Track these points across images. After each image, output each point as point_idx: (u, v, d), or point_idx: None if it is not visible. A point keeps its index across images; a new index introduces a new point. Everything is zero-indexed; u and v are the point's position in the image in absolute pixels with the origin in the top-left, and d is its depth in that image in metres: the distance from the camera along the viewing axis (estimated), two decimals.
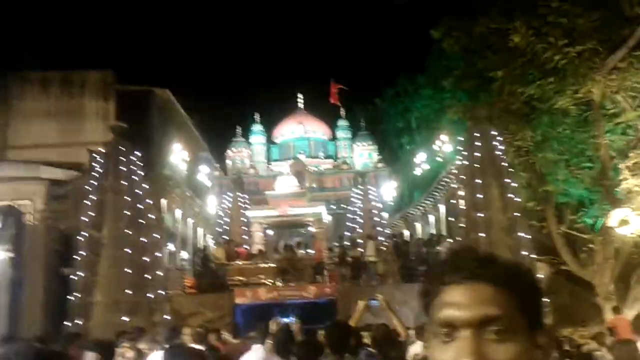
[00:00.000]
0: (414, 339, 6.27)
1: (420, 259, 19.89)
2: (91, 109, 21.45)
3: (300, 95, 51.78)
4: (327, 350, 4.51)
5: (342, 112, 49.68)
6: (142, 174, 15.50)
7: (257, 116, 49.86)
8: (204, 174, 30.76)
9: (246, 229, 26.45)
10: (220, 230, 27.38)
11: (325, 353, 4.52)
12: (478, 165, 14.59)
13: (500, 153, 14.76)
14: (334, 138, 50.61)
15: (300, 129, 48.97)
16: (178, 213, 26.51)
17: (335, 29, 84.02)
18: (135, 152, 15.23)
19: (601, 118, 13.91)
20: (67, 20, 44.81)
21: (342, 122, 49.91)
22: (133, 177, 14.87)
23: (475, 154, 14.72)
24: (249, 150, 48.42)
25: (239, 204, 27.64)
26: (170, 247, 24.32)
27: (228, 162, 46.89)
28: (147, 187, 15.78)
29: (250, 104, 55.77)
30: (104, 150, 14.94)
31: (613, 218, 12.83)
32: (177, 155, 25.39)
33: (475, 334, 1.05)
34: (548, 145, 15.04)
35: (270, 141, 50.75)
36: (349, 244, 22.13)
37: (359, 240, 22.73)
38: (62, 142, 20.85)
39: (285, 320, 11.32)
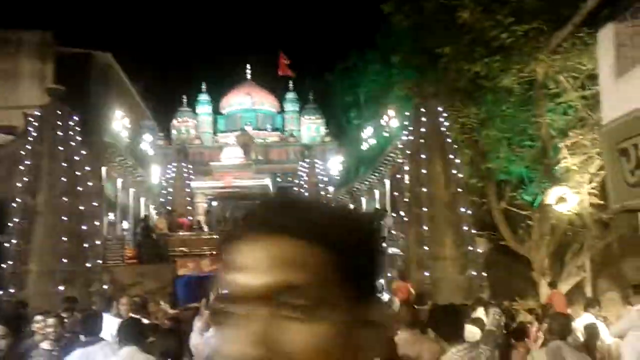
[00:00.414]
0: None
1: None
2: (28, 71, 20.53)
3: (248, 66, 51.15)
4: None
5: (291, 84, 49.40)
6: (80, 139, 14.98)
7: (203, 86, 49.05)
8: (147, 142, 30.05)
9: (190, 199, 26.10)
10: (163, 200, 26.90)
11: None
12: (423, 141, 14.70)
13: (445, 129, 14.91)
14: (282, 110, 50.29)
15: (247, 101, 48.43)
16: (119, 182, 25.85)
17: (287, 0, 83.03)
18: (73, 117, 14.66)
19: (543, 97, 14.18)
20: None
21: (290, 95, 49.61)
22: (70, 142, 14.33)
23: (421, 129, 14.82)
24: (195, 120, 47.65)
25: (183, 174, 27.19)
26: (111, 216, 23.74)
27: (173, 131, 46.05)
28: (86, 153, 15.27)
29: (198, 73, 54.59)
30: (39, 114, 14.32)
31: (551, 195, 13.18)
32: (119, 122, 24.66)
33: (265, 311, 0.70)
34: (491, 123, 15.26)
35: (217, 112, 50.03)
36: None
37: None
38: None
39: None
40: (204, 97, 49.22)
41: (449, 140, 14.83)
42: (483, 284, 13.65)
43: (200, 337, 5.24)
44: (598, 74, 11.32)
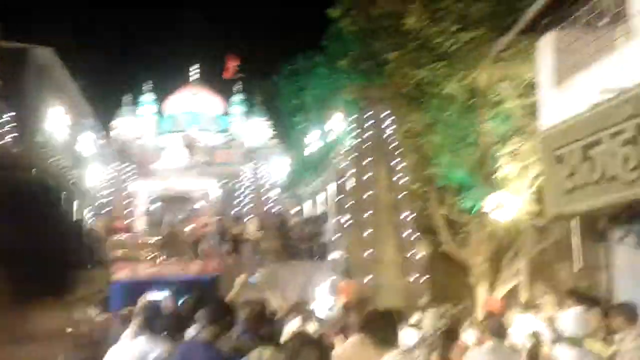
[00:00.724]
0: (292, 316, 6.14)
1: (303, 238, 20.07)
2: None
3: (195, 67, 50.32)
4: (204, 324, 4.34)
5: (239, 86, 48.89)
6: (13, 137, 14.36)
7: (148, 85, 47.98)
8: (87, 142, 29.09)
9: (129, 201, 25.41)
10: (101, 202, 26.12)
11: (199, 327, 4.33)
12: (368, 145, 14.73)
13: (390, 134, 14.97)
14: (228, 113, 49.70)
15: (193, 102, 47.65)
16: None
17: (236, 1, 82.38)
18: (6, 113, 14.00)
19: (485, 105, 14.38)
20: None
21: (236, 97, 49.09)
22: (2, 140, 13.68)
23: (366, 134, 14.86)
24: (138, 121, 46.53)
25: (123, 176, 26.50)
26: None
27: (114, 132, 44.83)
28: (17, 152, 14.61)
29: (143, 73, 53.42)
30: None
31: (488, 202, 13.36)
32: (56, 121, 23.74)
33: None
34: (435, 128, 15.37)
35: (161, 112, 49.02)
36: (232, 220, 21.76)
37: (245, 218, 22.49)
38: None
39: (160, 295, 10.94)
40: (147, 97, 48.14)
41: (393, 145, 14.89)
42: (423, 288, 13.73)
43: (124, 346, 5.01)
44: (537, 82, 11.59)
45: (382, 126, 14.97)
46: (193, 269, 18.82)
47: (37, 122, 21.93)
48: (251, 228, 19.96)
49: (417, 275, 13.81)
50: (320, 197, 30.25)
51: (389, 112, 15.14)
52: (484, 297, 13.11)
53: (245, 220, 21.47)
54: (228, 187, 34.10)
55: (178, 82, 49.56)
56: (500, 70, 13.50)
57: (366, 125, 14.91)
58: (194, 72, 50.30)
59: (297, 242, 20.09)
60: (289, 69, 37.97)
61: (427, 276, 14.09)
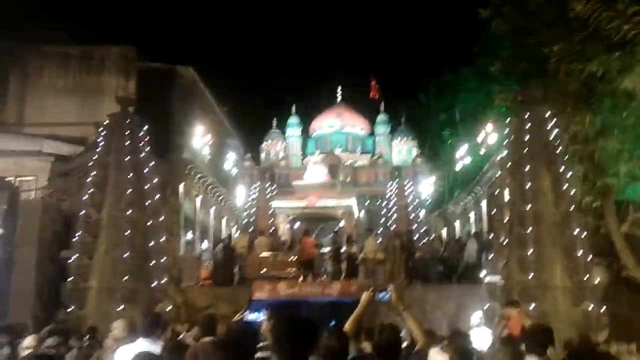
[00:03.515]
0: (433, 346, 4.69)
1: (444, 259, 18.41)
2: (111, 86, 20.36)
3: (339, 88, 50.41)
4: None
5: (382, 106, 48.12)
6: (152, 151, 14.17)
7: (293, 108, 48.62)
8: (231, 162, 29.39)
9: (272, 220, 25.13)
10: (246, 220, 26.12)
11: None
12: (527, 152, 12.73)
13: (554, 139, 12.87)
14: (372, 133, 49.04)
15: (338, 123, 47.54)
16: (198, 200, 25.13)
17: (379, 21, 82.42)
18: (144, 127, 13.79)
19: None
20: None
21: (381, 117, 48.32)
22: (139, 153, 13.46)
23: (525, 139, 12.85)
24: (284, 142, 47.24)
25: (267, 195, 26.32)
26: (189, 235, 23.00)
27: (262, 153, 45.91)
28: (159, 166, 14.47)
29: (289, 95, 54.41)
30: (108, 123, 13.59)
31: None
32: (200, 139, 24.00)
33: None
34: (609, 132, 13.02)
35: (306, 134, 49.44)
36: (347, 239, 20.28)
37: (362, 238, 20.99)
38: (80, 120, 19.86)
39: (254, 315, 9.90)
40: (293, 120, 48.87)
41: (558, 151, 12.78)
42: (602, 320, 11.40)
43: None
44: None
45: (544, 130, 12.90)
46: (334, 290, 17.85)
47: (182, 140, 22.26)
48: (369, 248, 18.53)
49: (592, 304, 11.49)
50: (472, 216, 28.03)
51: (551, 113, 13.03)
52: None
53: (362, 240, 19.92)
54: (371, 206, 32.95)
55: (323, 104, 49.80)
56: None
57: (525, 129, 12.89)
58: (338, 93, 50.34)
59: (437, 263, 18.42)
60: (436, 84, 36.34)
61: (605, 307, 11.69)
